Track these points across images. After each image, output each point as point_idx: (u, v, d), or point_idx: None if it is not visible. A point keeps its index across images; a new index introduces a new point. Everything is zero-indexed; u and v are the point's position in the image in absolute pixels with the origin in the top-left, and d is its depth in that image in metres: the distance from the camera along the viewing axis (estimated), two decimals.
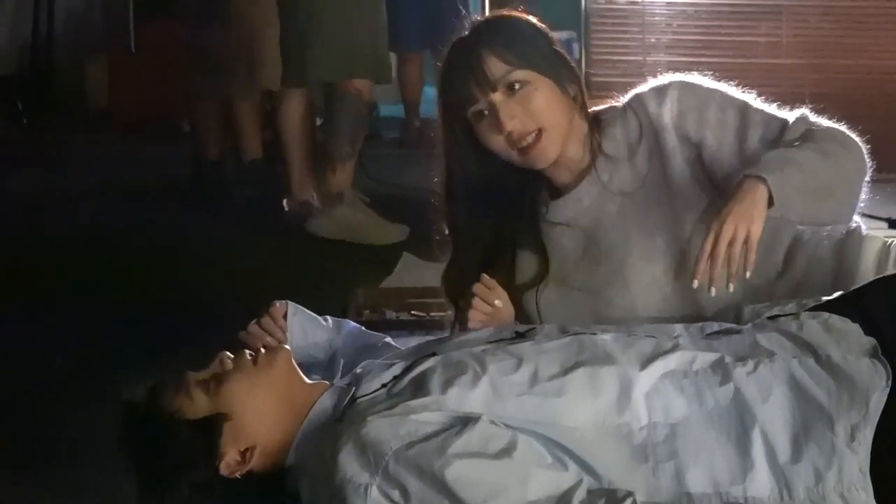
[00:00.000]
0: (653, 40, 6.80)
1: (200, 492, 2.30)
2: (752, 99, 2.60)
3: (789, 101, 2.58)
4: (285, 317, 2.64)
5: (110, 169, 6.30)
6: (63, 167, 7.49)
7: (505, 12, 2.64)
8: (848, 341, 2.29)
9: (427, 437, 2.15)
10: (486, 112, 2.52)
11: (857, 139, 2.51)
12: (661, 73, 2.66)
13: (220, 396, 2.31)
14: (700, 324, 2.42)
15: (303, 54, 5.14)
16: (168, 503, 2.30)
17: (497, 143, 2.53)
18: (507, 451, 2.12)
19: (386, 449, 2.13)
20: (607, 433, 2.19)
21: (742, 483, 2.14)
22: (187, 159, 6.15)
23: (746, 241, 2.33)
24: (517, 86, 2.50)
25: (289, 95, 5.33)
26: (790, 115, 2.57)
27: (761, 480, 2.13)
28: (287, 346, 2.44)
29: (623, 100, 2.67)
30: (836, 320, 2.34)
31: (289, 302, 2.66)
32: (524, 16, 2.63)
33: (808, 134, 2.50)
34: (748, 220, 2.33)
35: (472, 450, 2.12)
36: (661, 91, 2.61)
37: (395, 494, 2.11)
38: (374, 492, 2.11)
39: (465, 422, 2.17)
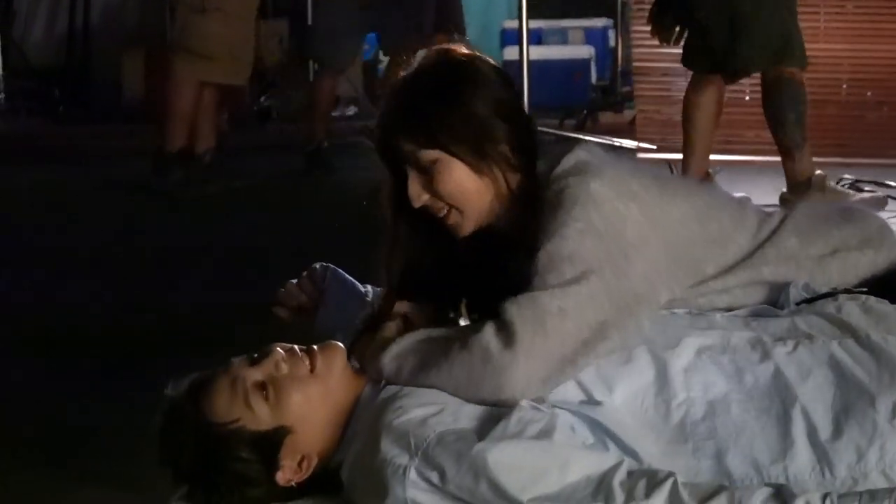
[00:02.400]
0: None
1: (252, 501, 2.29)
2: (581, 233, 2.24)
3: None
4: (324, 281, 2.64)
5: (143, 159, 6.32)
6: (98, 158, 7.55)
7: (432, 57, 2.38)
8: (887, 322, 2.28)
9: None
10: None
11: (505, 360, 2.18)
12: None
13: (281, 407, 2.26)
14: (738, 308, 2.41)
15: (733, 45, 5.15)
16: None
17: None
18: (546, 434, 2.12)
19: (428, 432, 2.13)
20: (646, 413, 2.19)
21: (783, 461, 2.13)
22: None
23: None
24: (427, 166, 2.33)
25: (706, 83, 5.35)
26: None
27: (802, 459, 2.13)
28: (340, 343, 2.37)
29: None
30: (873, 302, 2.33)
31: (329, 266, 2.65)
32: (452, 69, 2.38)
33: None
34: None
35: (511, 433, 2.12)
36: (560, 183, 2.32)
37: (434, 476, 2.10)
38: (413, 473, 2.11)
39: (503, 406, 2.17)
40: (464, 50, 2.41)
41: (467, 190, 2.34)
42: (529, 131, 2.41)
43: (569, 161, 2.34)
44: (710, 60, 5.26)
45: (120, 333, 3.74)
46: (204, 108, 6.28)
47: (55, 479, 2.56)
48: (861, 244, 2.44)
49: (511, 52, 9.40)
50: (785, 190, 5.17)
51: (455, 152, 2.32)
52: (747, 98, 6.52)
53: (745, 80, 6.08)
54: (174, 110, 6.23)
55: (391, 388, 2.25)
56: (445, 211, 2.36)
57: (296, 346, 2.33)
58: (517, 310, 2.19)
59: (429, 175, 2.33)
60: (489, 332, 2.18)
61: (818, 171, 5.20)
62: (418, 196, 2.35)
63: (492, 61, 2.42)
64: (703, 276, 2.37)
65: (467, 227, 2.38)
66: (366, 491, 2.20)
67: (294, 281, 2.66)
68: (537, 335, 2.17)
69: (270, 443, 2.24)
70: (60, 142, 8.46)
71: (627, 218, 2.28)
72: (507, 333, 2.17)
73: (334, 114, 9.43)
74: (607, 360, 2.23)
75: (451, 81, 2.37)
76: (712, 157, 5.53)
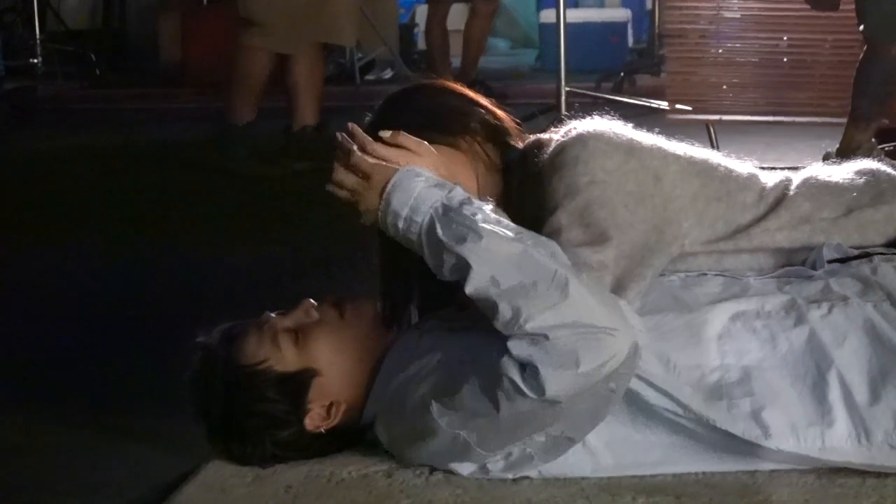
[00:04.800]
0: None
1: (283, 448, 2.30)
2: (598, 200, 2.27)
3: None
4: None
5: (180, 122, 6.32)
6: (135, 120, 7.57)
7: (405, 89, 2.56)
8: None
9: None
10: None
11: None
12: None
13: (310, 351, 2.29)
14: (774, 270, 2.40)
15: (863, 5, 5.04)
16: (249, 456, 2.30)
17: None
18: None
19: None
20: (678, 377, 2.18)
21: (819, 426, 2.12)
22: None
23: None
24: None
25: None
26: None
27: (839, 424, 2.12)
28: (372, 299, 2.40)
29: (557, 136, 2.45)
30: None
31: None
32: (422, 85, 2.58)
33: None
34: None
35: None
36: (556, 148, 2.37)
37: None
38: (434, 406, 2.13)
39: None
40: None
41: (451, 167, 2.37)
42: (489, 112, 2.48)
43: (565, 129, 2.39)
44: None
45: (160, 293, 3.76)
46: (298, 82, 5.89)
47: (94, 438, 2.57)
48: (874, 200, 2.43)
49: (548, 15, 9.39)
50: (831, 150, 5.10)
51: (428, 137, 2.36)
52: (786, 60, 6.47)
53: (782, 43, 6.04)
54: (239, 79, 5.90)
55: (416, 349, 2.27)
56: None
57: (327, 296, 2.37)
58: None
59: None
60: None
61: (873, 139, 5.13)
62: None
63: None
64: (714, 234, 2.38)
65: None
66: (404, 436, 2.24)
67: None
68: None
69: (298, 384, 2.27)
70: (97, 105, 8.50)
71: (628, 171, 2.30)
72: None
73: (370, 77, 9.47)
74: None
75: (407, 91, 2.53)
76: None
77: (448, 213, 2.12)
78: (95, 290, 3.82)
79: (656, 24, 9.40)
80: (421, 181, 2.18)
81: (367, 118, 2.46)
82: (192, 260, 4.18)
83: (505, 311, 2.03)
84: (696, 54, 6.71)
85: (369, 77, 9.46)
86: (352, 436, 2.34)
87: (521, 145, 2.47)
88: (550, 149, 2.37)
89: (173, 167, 6.01)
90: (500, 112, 2.51)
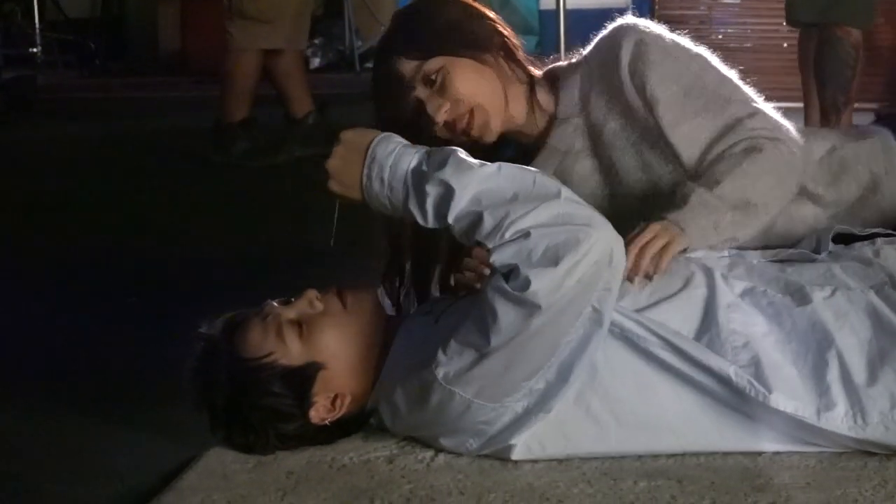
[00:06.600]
0: None
1: (287, 439, 2.30)
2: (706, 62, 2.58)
3: None
4: None
5: (179, 111, 6.31)
6: (134, 109, 7.56)
7: (411, 6, 2.55)
8: None
9: None
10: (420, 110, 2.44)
11: (787, 152, 2.44)
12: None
13: (315, 343, 2.27)
14: (775, 250, 2.41)
15: None
16: (251, 446, 2.30)
17: (442, 133, 2.44)
18: None
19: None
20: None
21: (816, 404, 2.13)
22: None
23: (662, 250, 2.28)
24: (434, 76, 2.42)
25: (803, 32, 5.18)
26: (737, 109, 2.53)
27: (836, 404, 2.13)
28: (372, 287, 2.40)
29: (584, 52, 2.59)
30: None
31: None
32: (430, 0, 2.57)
33: (744, 153, 2.42)
34: (669, 236, 2.29)
35: None
36: (615, 38, 2.52)
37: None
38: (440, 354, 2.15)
39: None
40: None
41: (480, 82, 2.42)
42: (504, 28, 2.53)
43: (609, 29, 2.56)
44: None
45: (160, 281, 3.76)
46: (290, 73, 5.91)
47: (96, 425, 2.57)
48: (873, 183, 2.45)
49: (547, 2, 9.37)
50: None
51: (455, 51, 2.42)
52: (785, 45, 6.49)
53: (781, 28, 6.04)
54: (234, 82, 5.82)
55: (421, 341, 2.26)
56: (467, 118, 2.42)
57: (332, 287, 2.35)
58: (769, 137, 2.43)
59: (439, 87, 2.41)
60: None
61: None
62: (439, 108, 2.41)
63: None
64: None
65: (493, 124, 2.45)
66: (406, 403, 2.24)
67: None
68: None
69: (303, 377, 2.25)
70: (96, 94, 8.49)
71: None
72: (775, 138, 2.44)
73: (370, 64, 9.45)
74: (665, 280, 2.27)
75: (416, 7, 2.53)
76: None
77: (431, 153, 2.18)
78: (95, 278, 3.82)
79: (656, 9, 9.40)
80: (400, 141, 2.22)
81: (381, 36, 2.50)
82: (193, 247, 4.18)
83: (488, 221, 2.08)
84: (695, 40, 6.71)
85: (369, 65, 9.44)
86: (356, 424, 2.34)
87: (538, 71, 2.55)
88: (603, 46, 2.53)
89: (173, 156, 6.01)
90: (509, 30, 2.54)
